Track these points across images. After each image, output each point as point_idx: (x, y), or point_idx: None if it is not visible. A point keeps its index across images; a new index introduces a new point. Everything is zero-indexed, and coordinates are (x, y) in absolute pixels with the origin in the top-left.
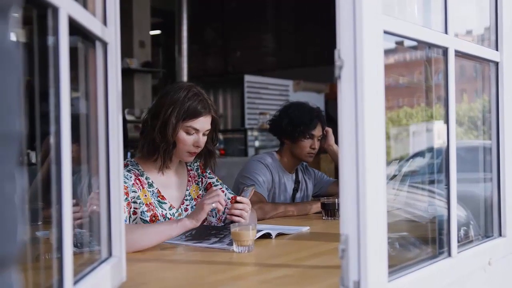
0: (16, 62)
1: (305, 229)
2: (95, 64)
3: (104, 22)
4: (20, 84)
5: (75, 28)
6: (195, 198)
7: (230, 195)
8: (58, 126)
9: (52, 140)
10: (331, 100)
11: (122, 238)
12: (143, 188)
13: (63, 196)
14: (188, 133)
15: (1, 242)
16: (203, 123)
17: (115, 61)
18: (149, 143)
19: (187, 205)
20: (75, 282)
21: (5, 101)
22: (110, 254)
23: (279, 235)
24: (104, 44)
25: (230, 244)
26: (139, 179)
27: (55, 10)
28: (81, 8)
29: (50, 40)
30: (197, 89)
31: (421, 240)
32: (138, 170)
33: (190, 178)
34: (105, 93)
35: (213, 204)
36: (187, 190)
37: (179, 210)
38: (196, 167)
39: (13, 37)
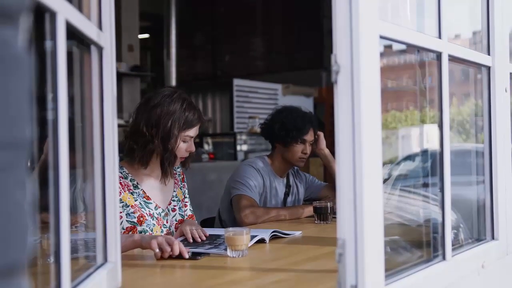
0: (26, 68)
1: (298, 233)
2: (90, 68)
3: (100, 27)
4: (30, 90)
5: (71, 32)
6: (181, 200)
7: (190, 212)
8: (56, 130)
9: (49, 144)
10: (320, 103)
11: (117, 244)
12: (125, 191)
13: (60, 202)
14: (184, 141)
15: (12, 249)
16: (197, 130)
17: (111, 65)
18: (148, 153)
19: (174, 206)
20: None
21: (15, 108)
22: (105, 259)
23: (274, 238)
24: (100, 49)
25: (226, 250)
26: (120, 183)
27: (53, 15)
28: (78, 12)
29: (48, 44)
30: (188, 98)
31: (415, 243)
32: (121, 173)
33: (176, 181)
34: (100, 98)
35: (157, 250)
36: (174, 191)
37: (166, 210)
38: (178, 173)
39: (22, 43)
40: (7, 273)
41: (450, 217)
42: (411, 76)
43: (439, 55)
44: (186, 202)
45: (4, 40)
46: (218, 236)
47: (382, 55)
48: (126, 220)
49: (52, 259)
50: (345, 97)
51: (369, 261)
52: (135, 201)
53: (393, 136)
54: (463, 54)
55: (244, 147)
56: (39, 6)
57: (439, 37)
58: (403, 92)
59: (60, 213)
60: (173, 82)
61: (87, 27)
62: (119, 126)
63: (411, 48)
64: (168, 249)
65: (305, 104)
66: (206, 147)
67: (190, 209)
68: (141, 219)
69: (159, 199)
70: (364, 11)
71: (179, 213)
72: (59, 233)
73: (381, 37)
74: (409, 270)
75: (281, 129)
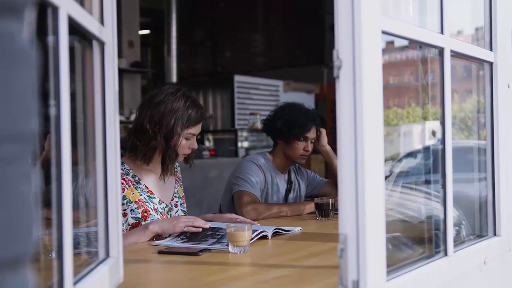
0: (31, 61)
1: (298, 229)
2: (92, 63)
3: (101, 22)
4: (35, 84)
5: (73, 27)
6: (182, 197)
7: (181, 213)
8: (58, 126)
9: (52, 141)
10: (321, 100)
11: (119, 239)
12: (129, 186)
13: (63, 198)
14: (187, 138)
15: (18, 242)
16: (199, 127)
17: (112, 61)
18: (151, 150)
19: (176, 202)
20: (74, 283)
21: (20, 101)
22: (107, 255)
23: (275, 234)
24: (101, 44)
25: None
26: (123, 179)
27: (55, 10)
28: (80, 7)
29: (50, 39)
30: (191, 96)
31: (416, 240)
32: (123, 170)
33: (176, 178)
34: (102, 93)
35: (185, 228)
36: (175, 188)
37: (169, 205)
38: (178, 171)
39: (27, 36)
40: (13, 265)
41: (452, 213)
42: (413, 73)
43: (441, 51)
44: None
45: (10, 34)
46: (220, 228)
47: (384, 51)
48: (131, 217)
49: (53, 255)
50: (347, 92)
51: (371, 256)
52: (140, 195)
53: (395, 133)
54: (465, 49)
55: (245, 144)
56: (42, 0)
57: (441, 32)
58: (405, 88)
59: (63, 208)
60: (174, 79)
61: (89, 22)
62: (120, 122)
63: (413, 44)
64: (196, 223)
65: (307, 100)
66: (207, 143)
67: (182, 209)
68: (145, 214)
69: (162, 195)
70: (366, 6)
71: (181, 209)
72: (62, 229)
73: (383, 32)
74: (411, 266)
75: (283, 126)
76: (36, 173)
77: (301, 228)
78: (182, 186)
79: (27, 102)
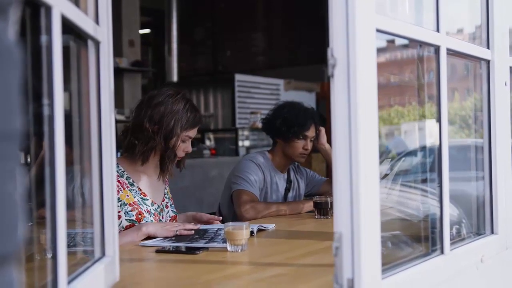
0: (16, 61)
1: (272, 226)
2: (87, 63)
3: (96, 21)
4: (20, 83)
5: (67, 27)
6: (171, 198)
7: (172, 214)
8: (52, 126)
9: (45, 140)
10: (322, 99)
11: (115, 238)
12: (124, 189)
13: (57, 197)
14: (183, 141)
15: (3, 240)
16: (196, 131)
17: (108, 60)
18: (149, 150)
19: (166, 203)
20: (69, 282)
21: (6, 99)
22: (103, 253)
23: (272, 233)
24: (97, 43)
25: (224, 242)
26: (118, 181)
27: (48, 9)
28: (73, 6)
29: (43, 39)
30: (190, 100)
31: (414, 238)
32: (117, 171)
33: (166, 179)
34: (97, 93)
35: (177, 232)
36: (165, 189)
37: (161, 206)
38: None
39: (12, 35)
40: None
41: (450, 211)
42: (413, 71)
43: (437, 49)
44: (167, 205)
45: None
46: (206, 230)
47: (385, 49)
48: (125, 219)
49: (49, 254)
50: (341, 91)
51: (366, 254)
52: (134, 198)
53: (396, 131)
54: (461, 47)
55: (246, 143)
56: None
57: (437, 30)
58: (406, 86)
59: (56, 206)
60: (174, 78)
61: (83, 22)
62: (121, 122)
63: (414, 42)
64: (188, 226)
65: (308, 99)
66: (207, 142)
67: (172, 210)
68: (139, 216)
69: (154, 196)
70: (361, 5)
71: (171, 210)
72: (56, 227)
73: (378, 31)
74: (407, 264)
75: (283, 125)
76: (22, 172)
77: (274, 225)
78: (169, 187)
79: (12, 101)
